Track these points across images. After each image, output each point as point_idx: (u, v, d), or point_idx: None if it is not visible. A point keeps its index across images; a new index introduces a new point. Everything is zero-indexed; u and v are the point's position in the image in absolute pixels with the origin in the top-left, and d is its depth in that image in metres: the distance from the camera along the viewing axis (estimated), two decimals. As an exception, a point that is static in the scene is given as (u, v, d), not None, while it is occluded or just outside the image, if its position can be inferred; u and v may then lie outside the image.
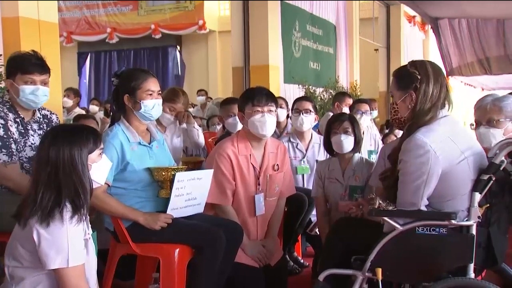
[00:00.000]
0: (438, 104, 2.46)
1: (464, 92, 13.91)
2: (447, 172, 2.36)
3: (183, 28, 13.86)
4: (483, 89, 14.56)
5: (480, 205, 2.38)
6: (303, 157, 4.37)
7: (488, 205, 2.44)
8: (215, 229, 2.90)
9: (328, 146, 3.67)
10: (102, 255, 3.11)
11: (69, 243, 2.04)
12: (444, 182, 2.37)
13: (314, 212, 3.90)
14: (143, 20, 14.03)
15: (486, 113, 3.02)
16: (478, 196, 2.37)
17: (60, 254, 2.03)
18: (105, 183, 2.76)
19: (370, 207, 2.43)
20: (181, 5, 13.71)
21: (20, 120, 3.10)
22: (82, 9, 14.37)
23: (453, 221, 2.31)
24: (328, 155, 3.84)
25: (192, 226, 2.95)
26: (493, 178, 2.36)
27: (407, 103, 2.52)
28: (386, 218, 2.40)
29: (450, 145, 2.38)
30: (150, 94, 2.98)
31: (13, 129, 3.04)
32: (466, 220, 2.35)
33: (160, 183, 2.96)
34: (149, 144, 3.05)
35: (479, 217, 2.37)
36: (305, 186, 4.28)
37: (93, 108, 8.48)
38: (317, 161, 4.25)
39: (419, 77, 2.47)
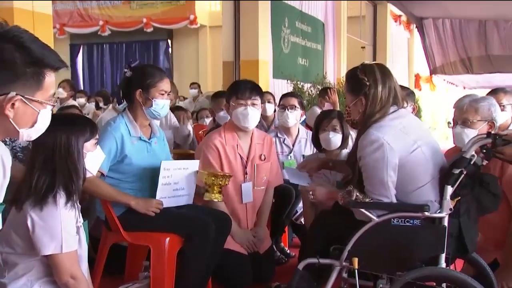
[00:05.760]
0: (387, 106, 2.56)
1: (448, 90, 14.00)
2: (404, 163, 2.44)
3: (174, 22, 13.95)
4: (464, 88, 14.71)
5: (451, 198, 2.46)
6: (290, 152, 4.43)
7: (459, 197, 2.51)
8: (205, 218, 2.97)
9: (316, 142, 3.76)
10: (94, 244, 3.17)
11: (63, 228, 2.07)
12: (402, 173, 2.45)
13: (301, 204, 3.99)
14: (135, 13, 14.07)
15: (462, 113, 3.04)
16: (450, 189, 2.44)
17: (54, 240, 2.05)
18: (100, 172, 2.82)
19: (348, 199, 2.51)
20: (173, -1, 13.78)
21: (13, 109, 3.17)
22: (75, 1, 14.35)
23: (426, 213, 2.39)
24: (315, 149, 3.93)
25: (182, 215, 3.02)
26: (464, 172, 2.44)
27: (358, 107, 2.63)
28: (363, 210, 2.47)
29: (402, 136, 2.48)
30: (162, 94, 3.05)
31: (6, 118, 3.11)
32: (439, 212, 2.43)
33: (208, 187, 3.08)
34: (149, 139, 3.10)
35: (450, 209, 2.44)
36: (291, 179, 4.37)
37: (80, 101, 8.37)
38: (303, 156, 4.31)
39: (367, 83, 2.57)
